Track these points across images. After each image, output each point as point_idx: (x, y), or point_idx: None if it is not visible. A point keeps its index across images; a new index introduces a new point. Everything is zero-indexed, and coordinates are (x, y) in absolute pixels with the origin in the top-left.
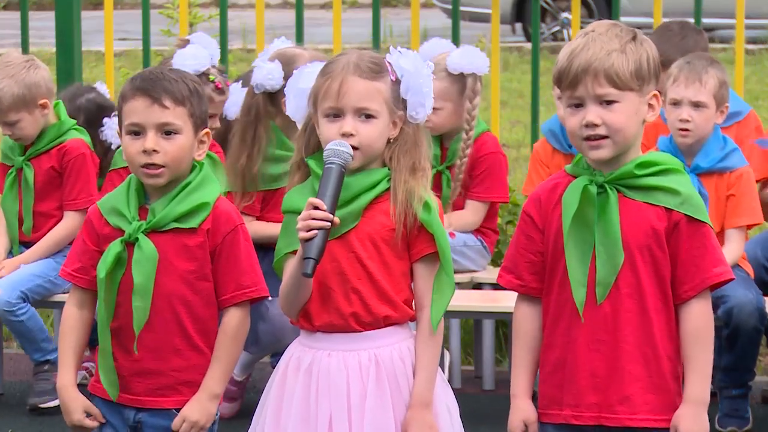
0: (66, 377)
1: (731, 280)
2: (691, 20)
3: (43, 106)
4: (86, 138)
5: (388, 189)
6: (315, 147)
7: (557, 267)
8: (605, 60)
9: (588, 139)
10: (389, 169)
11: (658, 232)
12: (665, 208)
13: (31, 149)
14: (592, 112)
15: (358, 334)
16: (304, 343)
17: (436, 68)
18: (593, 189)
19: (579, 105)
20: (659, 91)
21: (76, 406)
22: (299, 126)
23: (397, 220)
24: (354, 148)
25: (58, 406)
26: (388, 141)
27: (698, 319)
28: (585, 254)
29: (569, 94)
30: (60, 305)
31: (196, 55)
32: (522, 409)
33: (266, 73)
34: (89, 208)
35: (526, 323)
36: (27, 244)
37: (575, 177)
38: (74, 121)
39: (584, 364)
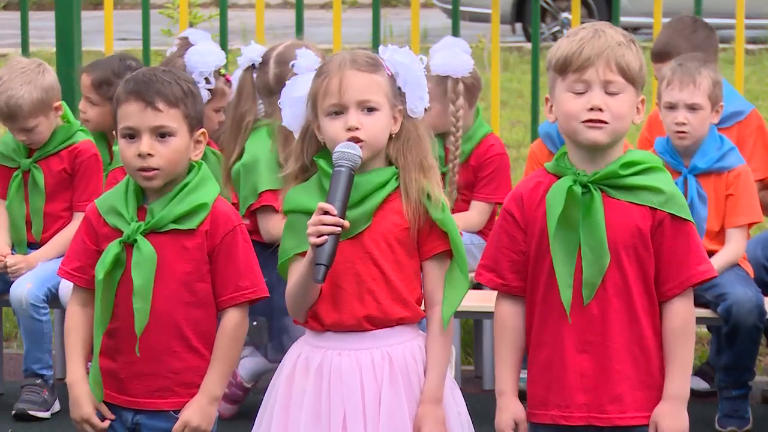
0: (76, 372)
1: (714, 277)
2: None
3: (57, 109)
4: (92, 139)
5: (397, 187)
6: (314, 152)
7: (541, 267)
8: (617, 49)
9: (587, 121)
10: (396, 167)
11: (643, 231)
12: (649, 207)
13: (39, 151)
14: (598, 97)
15: (368, 333)
16: (311, 342)
17: None
18: (578, 189)
19: (581, 92)
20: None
21: (88, 400)
22: (296, 135)
23: (412, 219)
24: (359, 140)
25: (47, 418)
26: (391, 137)
27: (681, 317)
28: (570, 255)
29: (575, 78)
30: (60, 306)
31: (213, 50)
32: (511, 408)
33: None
34: (89, 206)
35: (509, 321)
36: (34, 246)
37: (556, 176)
38: (78, 122)
39: (573, 365)
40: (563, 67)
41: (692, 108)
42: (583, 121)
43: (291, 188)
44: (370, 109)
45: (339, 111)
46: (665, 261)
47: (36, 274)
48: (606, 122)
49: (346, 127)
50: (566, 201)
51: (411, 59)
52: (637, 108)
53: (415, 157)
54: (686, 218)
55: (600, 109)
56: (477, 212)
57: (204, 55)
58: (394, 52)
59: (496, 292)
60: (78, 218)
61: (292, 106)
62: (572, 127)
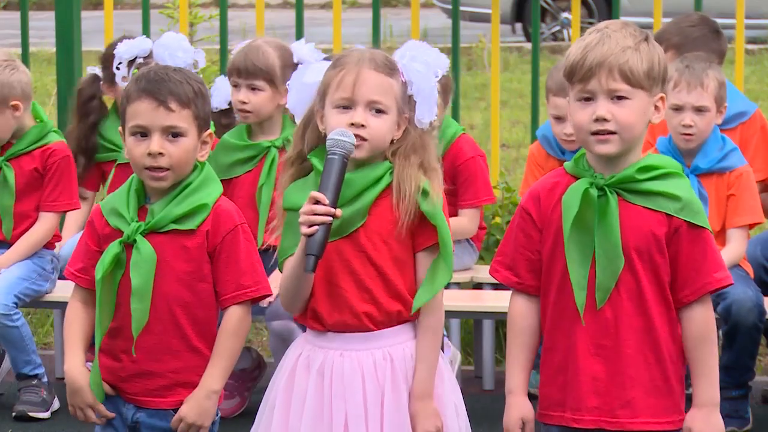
0: (73, 361)
1: (730, 284)
2: None
3: (15, 108)
4: (64, 140)
5: (391, 182)
6: (313, 143)
7: (555, 268)
8: (620, 56)
9: (596, 134)
10: (390, 163)
11: (658, 237)
12: (666, 213)
13: (10, 150)
14: (603, 107)
15: (370, 333)
16: (313, 342)
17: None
18: (594, 192)
19: (588, 99)
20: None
21: (89, 386)
22: (297, 120)
23: (402, 212)
24: (363, 139)
25: (47, 418)
26: (392, 142)
27: (701, 324)
28: (585, 258)
29: (581, 88)
30: (60, 305)
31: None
32: (519, 406)
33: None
34: (93, 208)
35: (523, 320)
36: (4, 245)
37: (574, 177)
38: (52, 122)
39: (585, 368)
40: (570, 76)
41: (699, 110)
42: (592, 133)
43: (288, 186)
44: (378, 111)
45: (348, 106)
46: (681, 268)
47: (0, 284)
48: (613, 132)
49: (350, 122)
50: (581, 203)
51: (427, 69)
52: (656, 107)
53: (416, 159)
54: (703, 225)
55: (605, 119)
56: (468, 219)
57: (174, 49)
58: (412, 59)
59: (496, 293)
60: (45, 219)
61: (300, 91)
62: (582, 138)
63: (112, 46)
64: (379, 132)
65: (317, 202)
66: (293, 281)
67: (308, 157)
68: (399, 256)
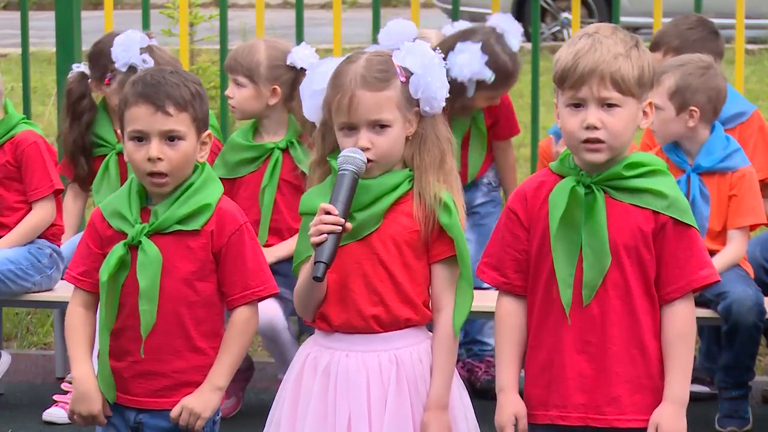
0: (84, 368)
1: (716, 282)
2: None
3: None
4: (36, 129)
5: (409, 190)
6: (334, 145)
7: (542, 267)
8: (612, 63)
9: (586, 141)
10: (410, 170)
11: (645, 233)
12: (652, 210)
13: None
14: (593, 115)
15: (377, 335)
16: (320, 343)
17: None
18: (581, 190)
19: (578, 105)
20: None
21: (99, 396)
22: (317, 125)
23: (423, 222)
24: (371, 160)
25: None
26: (407, 138)
27: (682, 321)
28: (572, 255)
29: (571, 94)
30: (60, 305)
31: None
32: (511, 403)
33: None
34: (93, 210)
35: (510, 318)
36: None
37: (560, 175)
38: (23, 116)
39: (572, 365)
40: (560, 82)
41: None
42: (582, 141)
43: (308, 190)
44: (382, 126)
45: (350, 127)
46: (667, 264)
47: None
48: (603, 141)
49: (356, 146)
50: (569, 201)
51: (424, 62)
52: (644, 112)
53: (433, 158)
54: (689, 223)
55: (596, 127)
56: None
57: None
58: (407, 56)
59: (494, 292)
60: (37, 207)
61: (312, 98)
62: (572, 145)
63: (100, 43)
64: (386, 148)
65: (327, 213)
66: (306, 289)
67: (328, 159)
68: (410, 262)
